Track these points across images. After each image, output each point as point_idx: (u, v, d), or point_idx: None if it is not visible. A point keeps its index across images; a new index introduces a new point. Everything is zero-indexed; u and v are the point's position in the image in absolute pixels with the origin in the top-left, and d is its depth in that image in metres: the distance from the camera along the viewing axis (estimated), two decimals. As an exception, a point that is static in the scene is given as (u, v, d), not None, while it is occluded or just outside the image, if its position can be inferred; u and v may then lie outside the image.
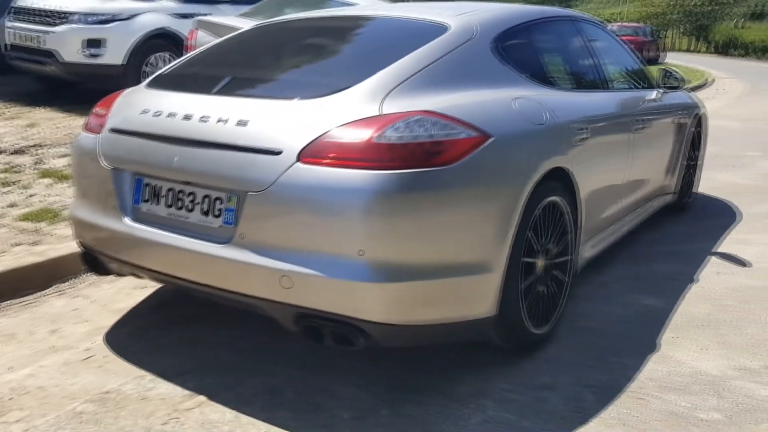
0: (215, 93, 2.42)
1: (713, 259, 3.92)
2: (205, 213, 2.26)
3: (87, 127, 2.71)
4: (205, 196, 2.26)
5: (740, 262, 3.87)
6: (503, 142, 2.31)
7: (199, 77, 2.76)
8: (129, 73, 6.92)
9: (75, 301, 3.04)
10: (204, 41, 5.86)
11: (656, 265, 3.78)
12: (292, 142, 2.11)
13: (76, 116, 6.69)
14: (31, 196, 4.09)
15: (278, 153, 2.11)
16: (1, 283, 2.99)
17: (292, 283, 2.08)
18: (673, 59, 28.07)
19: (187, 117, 2.32)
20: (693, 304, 3.24)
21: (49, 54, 6.85)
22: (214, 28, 5.86)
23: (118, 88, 7.21)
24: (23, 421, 2.16)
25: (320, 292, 2.07)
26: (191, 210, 2.30)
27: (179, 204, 2.32)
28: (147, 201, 2.41)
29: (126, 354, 2.59)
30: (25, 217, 3.69)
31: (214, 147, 2.22)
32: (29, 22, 7.10)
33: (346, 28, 3.04)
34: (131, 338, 2.73)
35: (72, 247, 3.32)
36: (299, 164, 2.08)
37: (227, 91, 2.44)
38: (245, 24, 5.70)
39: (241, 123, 2.21)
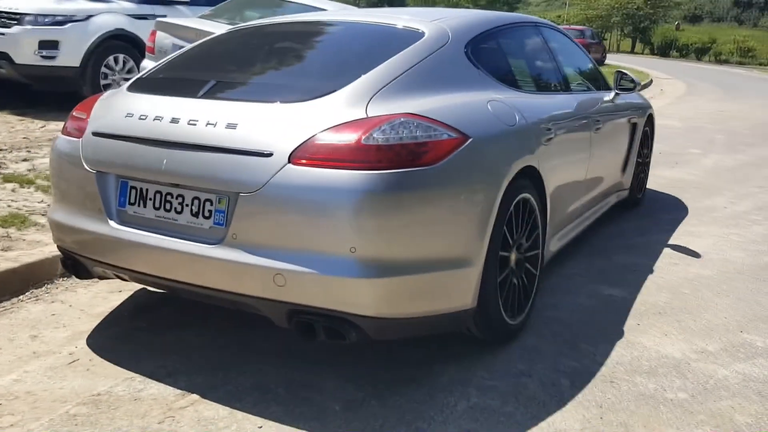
0: (201, 96, 2.46)
1: (667, 251, 4.15)
2: (195, 215, 2.31)
3: (65, 131, 2.71)
4: (195, 198, 2.31)
5: (693, 254, 4.10)
6: (480, 142, 2.43)
7: (181, 81, 2.79)
8: (86, 75, 6.80)
9: (52, 306, 3.03)
10: (164, 43, 5.84)
11: (615, 258, 3.98)
12: (283, 144, 2.18)
13: (31, 119, 6.56)
14: (-5, 202, 4.02)
15: (269, 155, 2.18)
16: (-24, 290, 2.96)
17: (285, 280, 2.15)
18: (615, 61, 28.98)
19: (174, 120, 2.36)
20: (652, 293, 3.44)
21: (2, 56, 6.67)
22: (175, 30, 5.84)
23: (74, 91, 7.06)
24: (17, 425, 2.16)
25: (313, 288, 2.15)
26: (180, 212, 2.34)
27: (167, 206, 2.36)
28: (133, 204, 2.44)
29: (111, 357, 2.60)
30: (-7, 224, 3.63)
31: (204, 150, 2.27)
32: (-20, 23, 6.90)
33: (326, 33, 3.12)
34: (114, 341, 2.74)
35: (45, 252, 3.30)
36: (290, 166, 2.15)
37: (213, 94, 2.48)
38: (206, 26, 5.73)
39: (231, 126, 2.27)
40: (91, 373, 2.48)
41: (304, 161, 2.15)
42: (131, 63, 7.16)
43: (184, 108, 2.41)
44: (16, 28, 6.63)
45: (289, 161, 2.15)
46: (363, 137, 2.16)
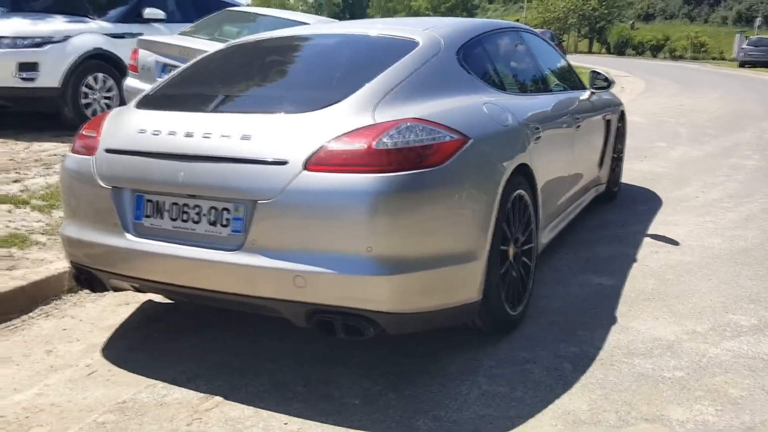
0: (212, 111, 2.56)
1: (648, 240, 4.34)
2: (213, 223, 2.40)
3: (74, 150, 2.77)
4: (212, 208, 2.40)
5: (672, 242, 4.30)
6: (480, 143, 2.57)
7: (189, 97, 2.88)
8: (66, 96, 6.80)
9: (63, 321, 3.08)
10: (147, 61, 5.90)
11: (599, 249, 4.16)
12: (297, 152, 2.29)
13: (14, 141, 6.54)
14: (-9, 223, 4.03)
15: (284, 163, 2.28)
16: (-12, 309, 2.99)
17: (305, 282, 2.26)
18: (575, 61, 29.53)
19: (188, 134, 2.45)
20: (639, 280, 3.61)
21: None
22: (157, 47, 5.89)
23: (55, 111, 7.03)
24: (48, 436, 2.22)
25: (333, 288, 2.26)
26: (197, 222, 2.43)
27: (185, 217, 2.45)
28: (149, 216, 2.52)
29: (129, 366, 2.67)
30: (-7, 245, 3.65)
31: (221, 161, 2.37)
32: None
33: (324, 45, 3.23)
34: (130, 351, 2.80)
35: (51, 269, 3.35)
36: (306, 172, 2.26)
37: (223, 108, 2.59)
38: (188, 42, 5.80)
39: (245, 137, 2.37)
40: (111, 383, 2.55)
41: (318, 167, 2.26)
42: (111, 82, 7.17)
43: (197, 122, 2.50)
44: (-6, 52, 6.61)
45: (305, 168, 2.26)
46: (374, 142, 2.28)
